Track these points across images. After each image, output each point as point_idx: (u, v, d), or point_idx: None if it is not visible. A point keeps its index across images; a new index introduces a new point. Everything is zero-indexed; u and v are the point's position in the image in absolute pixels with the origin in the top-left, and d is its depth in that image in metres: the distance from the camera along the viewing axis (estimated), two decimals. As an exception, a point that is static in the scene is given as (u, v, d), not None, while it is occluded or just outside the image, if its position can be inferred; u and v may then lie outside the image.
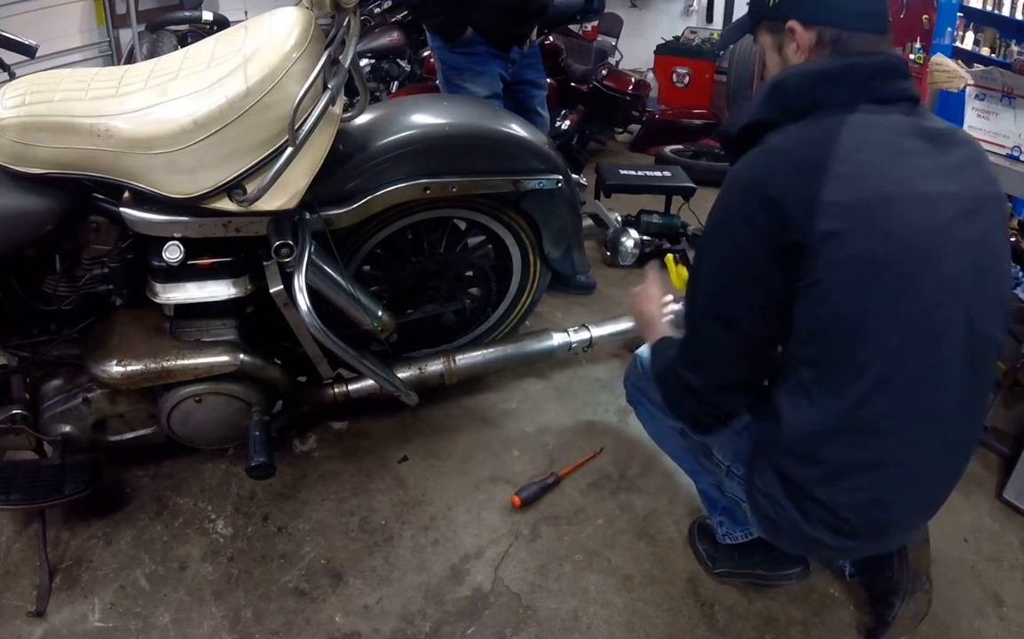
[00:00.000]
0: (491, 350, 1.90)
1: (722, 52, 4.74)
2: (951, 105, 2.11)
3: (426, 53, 3.61)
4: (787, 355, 1.08)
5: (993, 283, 1.05)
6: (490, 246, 1.95)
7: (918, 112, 1.06)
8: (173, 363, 1.42)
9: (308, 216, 1.41)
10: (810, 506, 1.09)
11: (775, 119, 1.06)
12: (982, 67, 2.15)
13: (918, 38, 2.54)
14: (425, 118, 1.60)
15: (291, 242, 1.34)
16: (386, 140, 1.51)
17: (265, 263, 1.42)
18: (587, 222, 2.30)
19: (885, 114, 1.02)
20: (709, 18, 5.43)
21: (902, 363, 1.00)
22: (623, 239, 2.29)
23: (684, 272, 1.54)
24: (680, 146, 4.26)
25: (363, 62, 3.42)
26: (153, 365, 1.41)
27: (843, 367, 1.01)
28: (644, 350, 1.49)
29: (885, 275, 0.98)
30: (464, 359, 1.84)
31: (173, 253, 1.35)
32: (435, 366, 1.81)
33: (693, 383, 1.14)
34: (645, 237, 2.75)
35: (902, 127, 1.02)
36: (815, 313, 1.00)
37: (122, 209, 1.33)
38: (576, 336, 1.98)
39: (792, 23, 1.09)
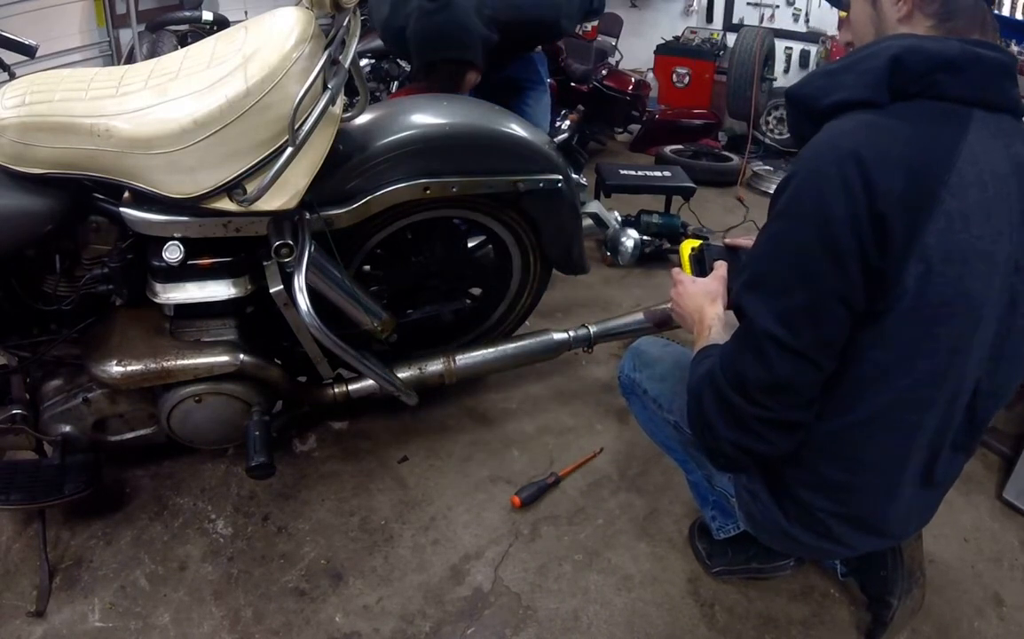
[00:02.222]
0: (491, 350, 1.90)
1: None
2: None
3: (426, 53, 3.61)
4: None
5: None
6: (490, 246, 1.95)
7: (1018, 131, 0.95)
8: (173, 363, 1.42)
9: (308, 216, 1.41)
10: (789, 504, 1.10)
11: (882, 102, 0.91)
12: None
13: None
14: (425, 118, 1.60)
15: (291, 242, 1.34)
16: (386, 140, 1.51)
17: (265, 263, 1.42)
18: (587, 222, 2.30)
19: (996, 135, 0.91)
20: (709, 18, 5.43)
21: (919, 410, 0.98)
22: (623, 239, 2.29)
23: (689, 244, 1.33)
24: (680, 146, 4.27)
25: (363, 62, 3.41)
26: (153, 365, 1.41)
27: (853, 393, 0.98)
28: (640, 343, 1.48)
29: (949, 333, 0.92)
30: (464, 359, 1.84)
31: (173, 253, 1.35)
32: (435, 366, 1.80)
33: (743, 410, 0.96)
34: (645, 237, 2.76)
35: (1008, 160, 0.92)
36: (856, 346, 0.94)
37: (122, 209, 1.33)
38: (576, 336, 1.98)
39: None
